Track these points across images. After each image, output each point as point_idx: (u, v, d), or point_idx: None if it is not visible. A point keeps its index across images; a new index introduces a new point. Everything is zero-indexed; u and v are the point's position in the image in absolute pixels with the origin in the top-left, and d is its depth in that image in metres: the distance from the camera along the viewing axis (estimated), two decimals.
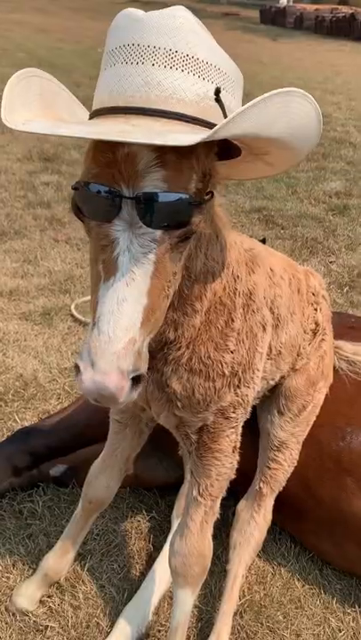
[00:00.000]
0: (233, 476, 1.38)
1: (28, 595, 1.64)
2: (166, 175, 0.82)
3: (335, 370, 1.75)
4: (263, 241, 2.88)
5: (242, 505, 1.66)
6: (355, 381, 1.75)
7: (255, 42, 15.17)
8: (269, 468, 1.62)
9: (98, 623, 1.61)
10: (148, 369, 1.21)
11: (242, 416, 1.34)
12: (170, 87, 0.82)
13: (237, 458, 1.36)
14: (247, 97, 0.84)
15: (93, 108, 0.90)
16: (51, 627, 1.60)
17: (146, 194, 0.81)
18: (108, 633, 1.57)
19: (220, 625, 1.54)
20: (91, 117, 0.91)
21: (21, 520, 1.89)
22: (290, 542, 1.85)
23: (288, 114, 0.84)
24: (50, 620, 1.62)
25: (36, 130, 0.84)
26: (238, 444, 1.36)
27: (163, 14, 0.85)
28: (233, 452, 1.35)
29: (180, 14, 0.85)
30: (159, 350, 1.18)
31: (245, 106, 0.77)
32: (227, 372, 1.22)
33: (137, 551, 1.83)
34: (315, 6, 19.24)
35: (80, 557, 1.74)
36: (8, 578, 1.71)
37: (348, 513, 1.62)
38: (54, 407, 2.37)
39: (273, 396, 1.61)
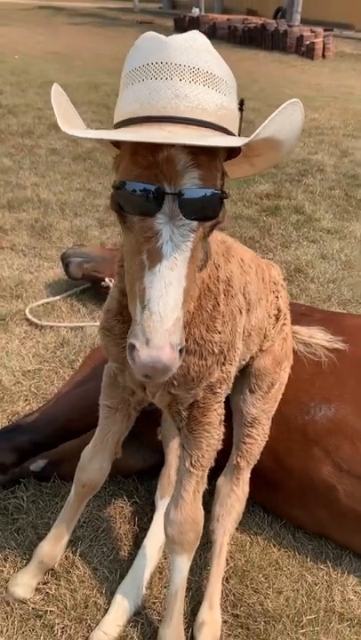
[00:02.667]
0: (220, 447, 1.52)
1: (24, 583, 1.71)
2: (201, 174, 0.95)
3: (294, 352, 1.93)
4: None
5: (221, 480, 1.80)
6: (312, 361, 1.93)
7: None
8: (245, 444, 1.77)
9: (95, 602, 1.70)
10: None
11: (225, 391, 1.49)
12: (195, 99, 0.95)
13: (223, 430, 1.51)
14: None
15: (121, 118, 1.00)
16: (50, 611, 1.67)
17: (186, 190, 0.94)
18: (107, 610, 1.67)
19: (211, 590, 1.67)
20: (118, 126, 1.01)
21: (7, 516, 1.94)
22: (263, 513, 2.01)
23: (291, 120, 1.00)
24: (49, 605, 1.69)
25: (95, 136, 0.96)
26: (223, 418, 1.50)
27: (185, 38, 0.98)
28: (220, 424, 1.49)
29: (199, 37, 0.99)
30: None
31: (273, 114, 0.93)
32: (216, 351, 1.36)
33: (123, 534, 1.93)
34: (226, 16, 19.87)
35: (70, 544, 1.81)
36: (2, 571, 1.77)
37: (317, 480, 1.80)
38: (23, 409, 2.42)
39: (244, 377, 1.77)
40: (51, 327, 3.01)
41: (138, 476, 2.11)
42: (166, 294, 0.95)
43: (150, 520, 1.92)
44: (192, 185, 0.95)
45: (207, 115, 0.97)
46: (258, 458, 1.79)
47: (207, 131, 0.97)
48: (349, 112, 8.61)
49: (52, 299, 3.27)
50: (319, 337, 1.99)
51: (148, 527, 1.90)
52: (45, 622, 1.64)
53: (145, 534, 1.87)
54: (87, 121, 6.87)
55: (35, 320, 3.03)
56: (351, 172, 5.76)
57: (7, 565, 1.78)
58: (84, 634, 1.62)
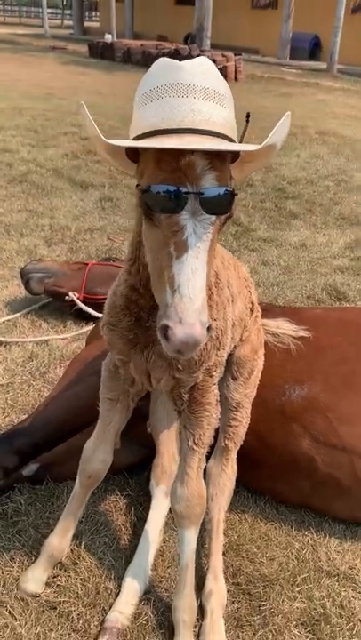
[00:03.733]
0: (217, 426, 1.67)
1: (35, 578, 1.78)
2: (216, 175, 1.11)
3: (265, 342, 2.13)
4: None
5: (211, 462, 1.95)
6: (282, 349, 2.13)
7: (90, 74, 15.69)
8: (231, 426, 1.94)
9: (106, 587, 1.80)
10: (152, 344, 1.49)
11: (219, 375, 1.65)
12: (207, 113, 1.12)
13: (219, 409, 1.67)
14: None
15: (142, 130, 1.15)
16: (64, 601, 1.75)
17: (205, 189, 1.10)
18: (118, 594, 1.77)
19: (213, 563, 1.81)
20: (140, 137, 1.16)
21: (7, 519, 2.00)
22: (247, 493, 2.18)
23: (284, 130, 1.20)
24: (62, 596, 1.77)
25: (129, 145, 1.13)
26: (218, 398, 1.66)
27: (195, 63, 1.15)
28: (216, 404, 1.65)
29: (205, 62, 1.17)
30: None
31: (278, 124, 1.12)
32: (214, 336, 1.52)
33: (122, 524, 2.03)
34: (140, 42, 20.41)
35: (73, 539, 1.89)
36: (11, 570, 1.83)
37: (297, 453, 1.99)
38: (3, 420, 2.47)
39: (226, 365, 1.94)
40: (16, 343, 3.06)
41: (127, 471, 2.22)
42: (193, 279, 1.10)
43: (145, 510, 2.05)
44: (210, 185, 1.11)
45: (217, 126, 1.14)
46: (243, 439, 1.96)
47: (218, 140, 1.14)
48: (269, 131, 9.10)
49: (12, 316, 3.32)
50: (285, 327, 2.19)
51: (144, 516, 2.02)
52: (61, 611, 1.72)
53: (142, 523, 1.99)
54: (18, 144, 6.93)
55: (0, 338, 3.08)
56: (278, 185, 6.15)
57: (15, 564, 1.85)
58: (99, 617, 1.72)
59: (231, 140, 1.19)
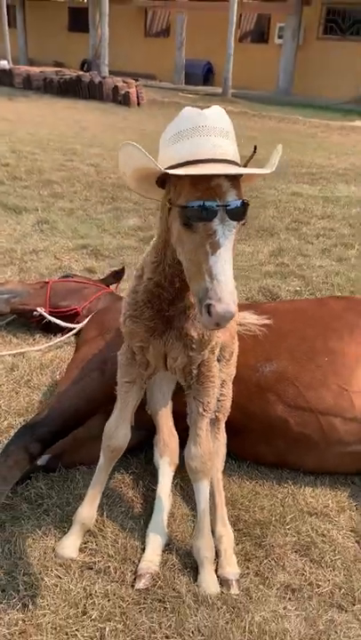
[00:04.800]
0: (219, 394, 2.05)
1: (70, 545, 2.06)
2: (236, 192, 1.49)
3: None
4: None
5: None
6: (250, 336, 2.55)
7: None
8: (219, 401, 2.31)
9: (132, 545, 2.11)
10: (170, 329, 1.85)
11: (217, 352, 2.04)
12: (225, 147, 1.51)
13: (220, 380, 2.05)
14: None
15: (175, 161, 1.50)
16: (98, 560, 2.04)
17: (230, 202, 1.47)
18: (144, 549, 2.08)
19: (220, 512, 2.17)
20: (172, 167, 1.52)
21: (32, 503, 2.25)
22: (232, 460, 2.56)
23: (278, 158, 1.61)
24: (96, 557, 2.05)
25: (185, 172, 1.45)
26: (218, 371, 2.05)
27: (212, 111, 1.54)
28: (218, 376, 2.03)
29: (220, 109, 1.55)
30: (182, 312, 1.81)
31: (279, 152, 1.53)
32: None
33: (133, 496, 2.35)
34: (39, 68, 20.59)
35: (98, 509, 2.18)
36: (46, 542, 2.09)
37: (273, 417, 2.40)
38: (1, 424, 2.70)
39: None
40: None
41: (129, 452, 2.52)
42: (226, 269, 1.47)
43: (150, 482, 2.38)
44: (232, 199, 1.49)
45: (229, 156, 1.53)
46: (229, 411, 2.35)
47: (232, 166, 1.53)
48: None
49: None
50: (250, 318, 2.62)
51: (151, 487, 2.35)
52: (98, 569, 2.01)
53: (150, 492, 2.32)
54: None
55: None
56: None
57: (48, 537, 2.11)
58: (132, 569, 2.02)
59: (239, 166, 1.59)
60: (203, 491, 2.04)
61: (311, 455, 2.46)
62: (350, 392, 2.40)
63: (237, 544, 2.15)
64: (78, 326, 3.37)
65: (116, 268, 4.06)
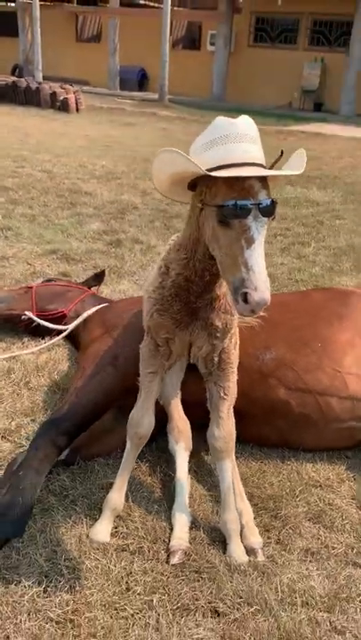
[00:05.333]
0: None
1: (102, 530, 2.17)
2: (266, 192, 1.66)
3: None
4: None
5: None
6: (247, 327, 2.74)
7: None
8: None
9: (161, 526, 2.25)
10: (196, 319, 2.00)
11: (234, 340, 2.21)
12: (254, 152, 1.68)
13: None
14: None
15: (210, 166, 1.65)
16: (131, 542, 2.17)
17: (262, 201, 1.64)
18: (172, 528, 2.22)
19: (238, 489, 2.34)
20: (211, 170, 1.67)
21: (58, 495, 2.34)
22: (236, 443, 2.72)
23: (302, 161, 1.79)
24: (128, 539, 2.18)
25: (228, 174, 1.61)
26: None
27: (242, 120, 1.70)
28: (235, 362, 2.20)
29: (248, 118, 1.72)
30: (208, 304, 1.98)
31: (299, 157, 1.71)
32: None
33: (152, 482, 2.49)
34: None
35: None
36: (79, 530, 2.19)
37: (275, 400, 2.60)
38: (10, 424, 2.76)
39: None
40: None
41: None
42: (260, 260, 1.65)
43: (166, 468, 2.52)
44: (263, 198, 1.67)
45: (258, 160, 1.71)
46: (236, 396, 2.52)
47: (261, 169, 1.71)
48: (128, 158, 9.83)
49: None
50: None
51: (167, 472, 2.50)
52: (133, 550, 2.14)
53: (167, 477, 2.47)
54: None
55: None
56: (159, 207, 6.83)
57: (79, 525, 2.21)
58: (164, 547, 2.16)
59: (266, 168, 1.76)
60: (226, 469, 2.20)
61: (310, 433, 2.68)
62: (343, 373, 2.64)
63: (255, 517, 2.33)
64: (70, 327, 3.45)
65: (96, 271, 4.16)
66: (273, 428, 2.68)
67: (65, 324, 3.53)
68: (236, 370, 2.21)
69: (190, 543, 2.17)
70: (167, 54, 19.74)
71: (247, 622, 1.88)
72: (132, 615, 1.89)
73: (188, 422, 2.53)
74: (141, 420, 2.19)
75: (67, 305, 3.63)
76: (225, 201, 1.65)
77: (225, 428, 2.19)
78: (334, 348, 2.69)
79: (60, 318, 3.59)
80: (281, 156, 1.78)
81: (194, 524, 2.27)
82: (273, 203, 1.70)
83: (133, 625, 1.86)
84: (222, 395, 2.18)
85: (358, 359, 2.69)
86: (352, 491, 2.54)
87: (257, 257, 1.64)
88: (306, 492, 2.49)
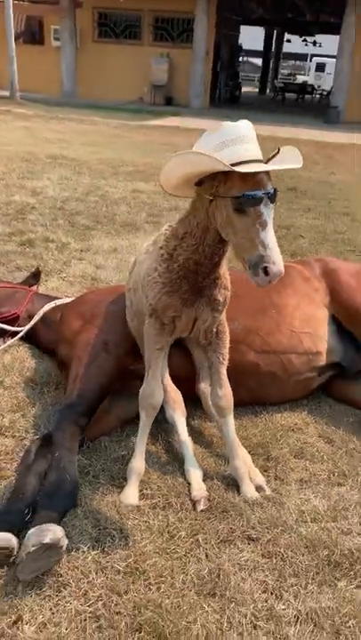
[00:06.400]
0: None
1: (131, 494, 2.43)
2: (271, 182, 2.01)
3: None
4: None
5: (203, 384, 2.83)
6: None
7: None
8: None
9: (179, 482, 2.54)
10: (201, 297, 2.32)
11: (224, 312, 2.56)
12: (255, 150, 2.01)
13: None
14: None
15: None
16: (158, 500, 2.44)
17: (270, 190, 1.98)
18: (189, 483, 2.53)
19: (237, 441, 2.71)
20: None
21: (80, 473, 2.52)
22: None
23: (296, 155, 2.15)
24: (155, 498, 2.45)
25: (250, 170, 1.93)
26: None
27: (244, 124, 2.01)
28: (228, 330, 2.56)
29: (249, 123, 2.05)
30: (213, 282, 2.30)
31: (296, 150, 2.07)
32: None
33: (158, 449, 2.77)
34: None
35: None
36: (109, 498, 2.42)
37: (246, 364, 2.99)
38: (2, 420, 2.87)
39: None
40: None
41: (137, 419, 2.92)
42: (274, 239, 2.00)
43: (165, 436, 2.82)
44: (270, 188, 2.03)
45: (259, 157, 2.06)
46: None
47: (263, 164, 2.06)
48: (3, 159, 9.64)
49: None
50: None
51: (167, 439, 2.80)
52: (162, 505, 2.41)
53: (169, 444, 2.78)
54: None
55: None
56: (58, 205, 6.92)
57: (109, 494, 2.44)
58: (188, 499, 2.46)
59: (264, 162, 2.11)
60: (230, 423, 2.56)
61: (276, 388, 3.12)
62: (297, 333, 3.11)
63: (253, 461, 2.72)
64: (26, 328, 3.54)
65: (33, 270, 4.25)
66: (245, 389, 3.08)
67: (19, 326, 3.63)
68: (228, 336, 2.56)
69: (208, 490, 2.50)
70: (14, 49, 19.24)
71: (278, 540, 2.26)
72: (185, 555, 2.18)
73: (179, 392, 2.84)
74: (153, 392, 2.46)
75: (18, 306, 3.71)
76: (241, 192, 1.98)
77: (226, 388, 2.54)
78: (286, 313, 3.15)
79: (14, 320, 3.68)
80: (278, 152, 2.14)
81: (206, 474, 2.60)
82: (275, 191, 2.06)
83: (189, 562, 2.15)
84: (221, 360, 2.53)
85: (305, 319, 3.17)
86: (317, 430, 3.03)
87: (271, 237, 2.00)
88: (285, 436, 2.93)
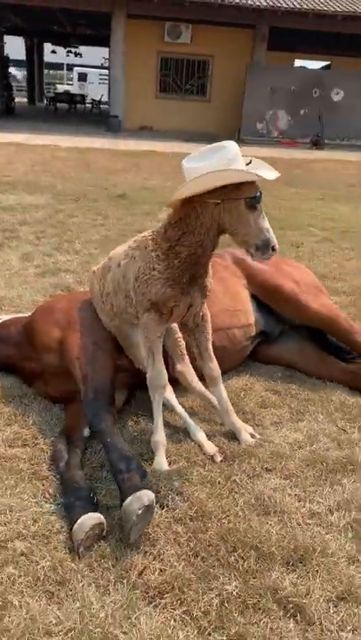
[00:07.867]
0: None
1: (162, 461, 2.84)
2: (258, 186, 2.59)
3: None
4: None
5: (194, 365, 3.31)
6: None
7: None
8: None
9: (191, 445, 3.00)
10: (194, 285, 2.82)
11: None
12: (243, 163, 2.57)
13: None
14: None
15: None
16: (183, 462, 2.88)
17: (260, 192, 2.55)
18: (199, 445, 3.01)
19: (231, 407, 3.24)
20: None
21: (99, 454, 2.82)
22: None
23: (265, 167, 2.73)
24: (181, 462, 2.89)
25: (267, 177, 2.46)
26: None
27: (233, 143, 2.55)
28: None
29: (234, 143, 2.58)
30: (205, 270, 2.79)
31: (261, 161, 2.66)
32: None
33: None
34: None
35: (144, 441, 2.95)
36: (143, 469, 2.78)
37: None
38: (16, 410, 3.00)
39: None
40: None
41: (125, 409, 3.27)
42: (268, 224, 2.59)
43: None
44: (260, 190, 2.59)
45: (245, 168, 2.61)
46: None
47: (273, 172, 2.61)
48: None
49: None
50: None
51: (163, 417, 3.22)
52: (190, 464, 2.86)
53: (165, 422, 3.20)
54: None
55: None
56: None
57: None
58: (205, 457, 2.93)
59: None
60: (222, 388, 3.08)
61: (227, 359, 3.70)
62: (234, 311, 3.75)
63: None
64: None
65: None
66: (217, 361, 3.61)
67: None
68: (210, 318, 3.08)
69: (217, 447, 3.01)
70: None
71: (288, 466, 2.89)
72: (230, 493, 2.68)
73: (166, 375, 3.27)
74: (160, 373, 2.89)
75: None
76: (254, 193, 2.52)
77: (214, 361, 3.06)
78: (222, 296, 3.76)
79: None
80: (250, 162, 2.71)
81: (209, 434, 3.10)
82: (261, 193, 2.64)
83: (237, 497, 2.66)
84: (207, 337, 3.04)
85: (236, 299, 3.82)
86: (263, 386, 3.71)
87: (267, 222, 2.58)
88: (244, 395, 3.56)
